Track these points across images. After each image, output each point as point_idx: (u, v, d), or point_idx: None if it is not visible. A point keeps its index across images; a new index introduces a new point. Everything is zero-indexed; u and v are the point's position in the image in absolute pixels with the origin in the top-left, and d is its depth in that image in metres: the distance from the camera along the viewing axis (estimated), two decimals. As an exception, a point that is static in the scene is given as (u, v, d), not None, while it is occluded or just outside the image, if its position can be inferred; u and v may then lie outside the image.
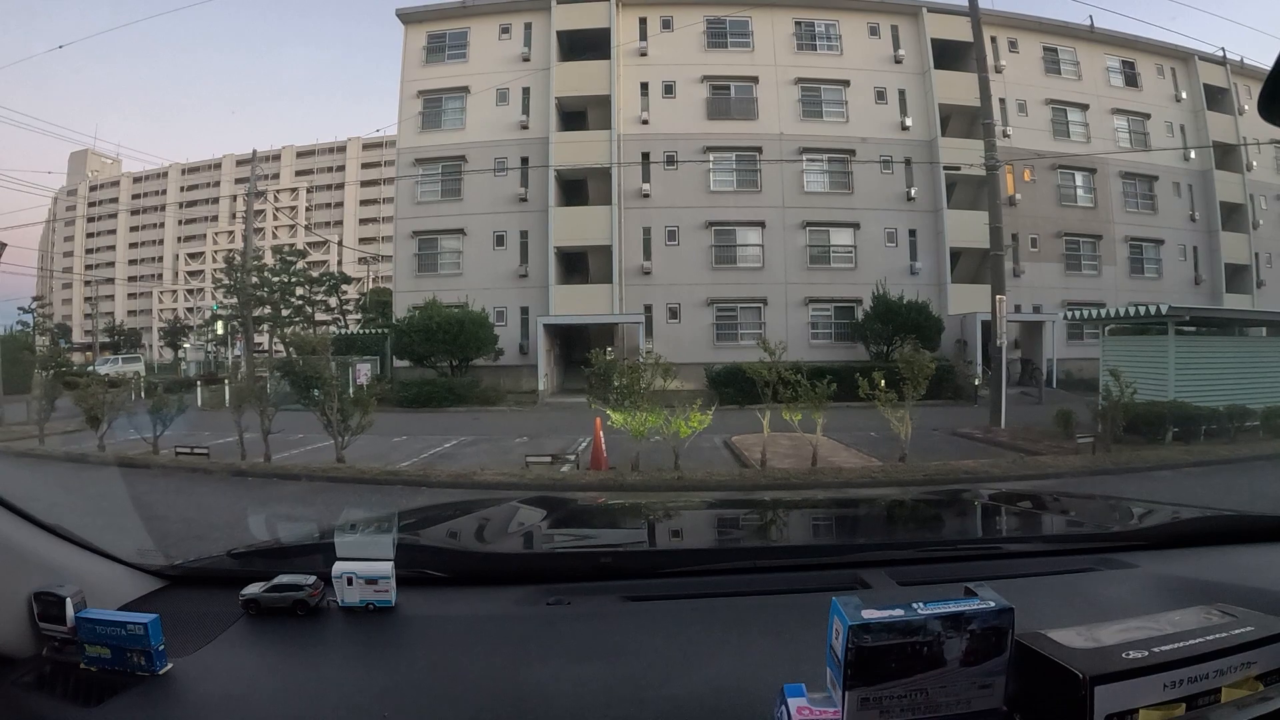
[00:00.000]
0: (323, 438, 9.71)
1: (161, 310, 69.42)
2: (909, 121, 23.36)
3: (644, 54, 23.33)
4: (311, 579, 1.06)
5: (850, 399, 9.11)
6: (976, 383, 17.25)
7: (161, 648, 0.88)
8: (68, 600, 0.91)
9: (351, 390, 9.28)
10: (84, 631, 0.90)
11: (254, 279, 29.92)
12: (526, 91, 23.26)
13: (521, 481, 7.50)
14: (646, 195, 22.57)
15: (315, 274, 35.36)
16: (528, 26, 23.80)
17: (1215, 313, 15.09)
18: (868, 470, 8.24)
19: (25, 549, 0.99)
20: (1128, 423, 9.94)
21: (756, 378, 9.10)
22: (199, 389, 20.57)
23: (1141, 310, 12.39)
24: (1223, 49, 27.18)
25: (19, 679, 0.89)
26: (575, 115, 23.89)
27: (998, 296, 12.47)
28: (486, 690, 0.85)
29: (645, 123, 22.94)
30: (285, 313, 32.33)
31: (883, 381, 8.72)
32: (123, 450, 9.68)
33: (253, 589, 1.06)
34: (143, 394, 13.24)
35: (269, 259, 35.05)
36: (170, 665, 0.89)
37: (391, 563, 1.05)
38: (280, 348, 34.75)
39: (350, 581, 1.05)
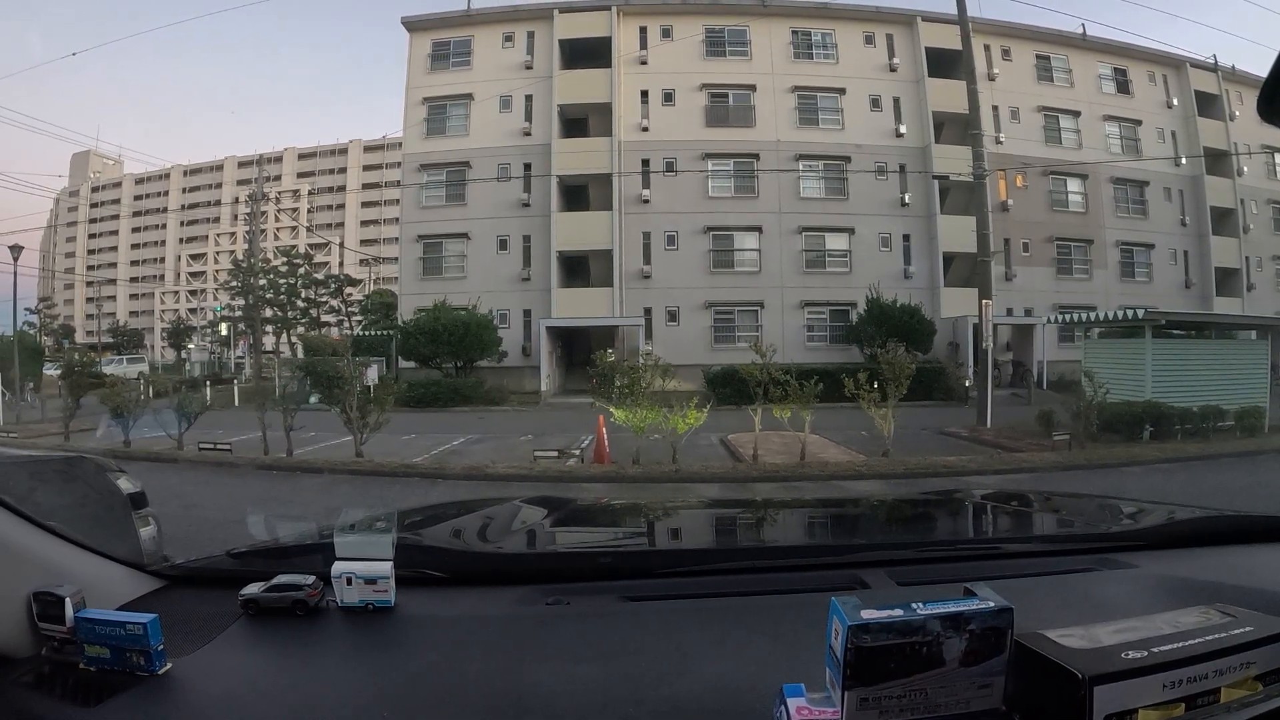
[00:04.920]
0: (334, 435, 10.21)
1: (163, 311, 69.66)
2: (903, 128, 23.83)
3: (644, 62, 23.83)
4: (311, 579, 1.06)
5: (843, 400, 9.57)
6: (967, 384, 17.68)
7: (161, 648, 0.87)
8: (67, 600, 0.91)
9: (359, 390, 9.72)
10: (83, 631, 0.90)
11: (262, 281, 30.40)
12: (529, 99, 23.75)
13: (531, 474, 7.99)
14: (646, 201, 23.07)
15: (319, 276, 35.80)
16: (530, 35, 24.31)
17: (1190, 316, 15.54)
18: (852, 465, 8.73)
19: (24, 549, 0.98)
20: (1107, 422, 10.43)
21: (749, 378, 9.57)
22: (207, 389, 20.97)
23: (1120, 314, 12.89)
24: (1214, 55, 27.65)
25: (18, 679, 0.89)
26: (577, 122, 24.37)
27: (984, 301, 12.94)
28: (485, 690, 0.86)
29: (645, 130, 23.43)
30: (291, 314, 32.76)
31: (875, 383, 9.25)
32: (147, 445, 10.17)
33: (252, 589, 1.06)
34: (151, 394, 13.64)
35: (273, 259, 35.41)
36: (169, 665, 0.89)
37: (391, 563, 1.06)
38: (286, 348, 35.20)
39: (349, 581, 1.05)
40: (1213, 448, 9.93)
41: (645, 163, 23.21)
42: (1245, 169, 27.29)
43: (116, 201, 75.76)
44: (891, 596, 0.98)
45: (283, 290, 32.78)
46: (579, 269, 24.25)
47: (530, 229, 23.42)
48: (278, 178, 71.18)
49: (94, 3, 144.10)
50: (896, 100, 24.15)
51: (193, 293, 70.59)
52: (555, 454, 9.23)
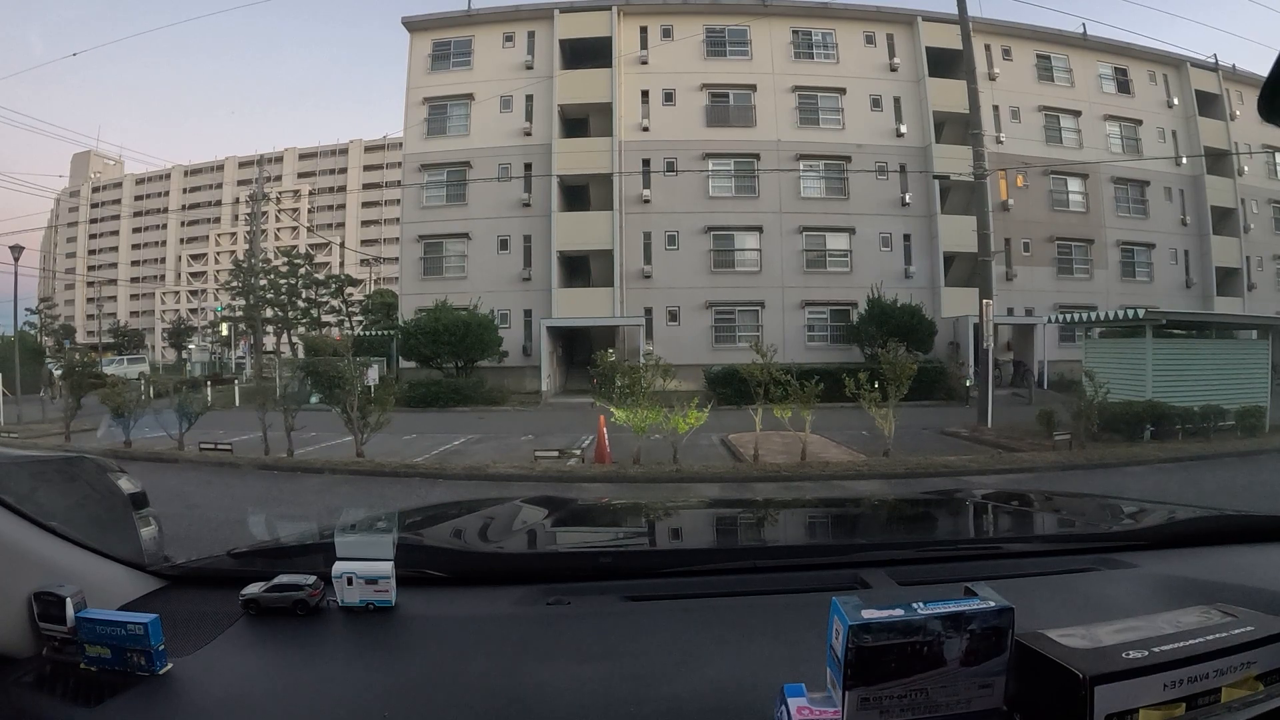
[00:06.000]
0: (334, 435, 10.21)
1: (164, 311, 69.77)
2: (904, 128, 23.83)
3: (644, 62, 23.84)
4: (311, 579, 1.06)
5: (844, 400, 9.55)
6: (968, 384, 17.67)
7: (161, 648, 0.87)
8: (68, 600, 0.91)
9: (360, 391, 9.73)
10: (84, 631, 0.90)
11: (263, 281, 30.42)
12: (529, 99, 23.75)
13: (531, 474, 8.00)
14: (647, 200, 23.07)
15: (320, 276, 35.83)
16: (530, 35, 24.32)
17: (1191, 316, 15.53)
18: (853, 464, 8.73)
19: (25, 549, 0.98)
20: (1107, 422, 10.43)
21: (750, 378, 9.57)
22: (208, 389, 20.98)
23: (1121, 314, 12.89)
24: (1214, 55, 27.64)
25: (19, 679, 0.89)
26: (577, 122, 24.38)
27: (984, 300, 12.94)
28: (486, 690, 0.86)
29: (646, 130, 23.44)
30: (292, 314, 32.79)
31: (875, 383, 9.26)
32: (148, 446, 10.18)
33: (253, 589, 1.06)
34: (152, 394, 13.64)
35: (274, 259, 35.43)
36: (170, 665, 0.89)
37: (391, 563, 1.06)
38: (287, 348, 35.24)
39: (350, 581, 1.05)
40: (1213, 447, 9.93)
41: (646, 163, 23.21)
42: (1246, 168, 27.29)
43: (117, 202, 75.87)
44: (892, 596, 0.98)
45: (283, 290, 32.83)
46: (580, 269, 24.26)
47: (531, 229, 23.43)
48: (278, 178, 71.25)
49: (94, 3, 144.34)
50: (897, 100, 24.15)
51: (193, 293, 70.67)
52: (556, 454, 9.24)
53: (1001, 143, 23.26)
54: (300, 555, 1.28)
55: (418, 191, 24.29)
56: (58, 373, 17.50)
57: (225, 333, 42.26)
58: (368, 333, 27.43)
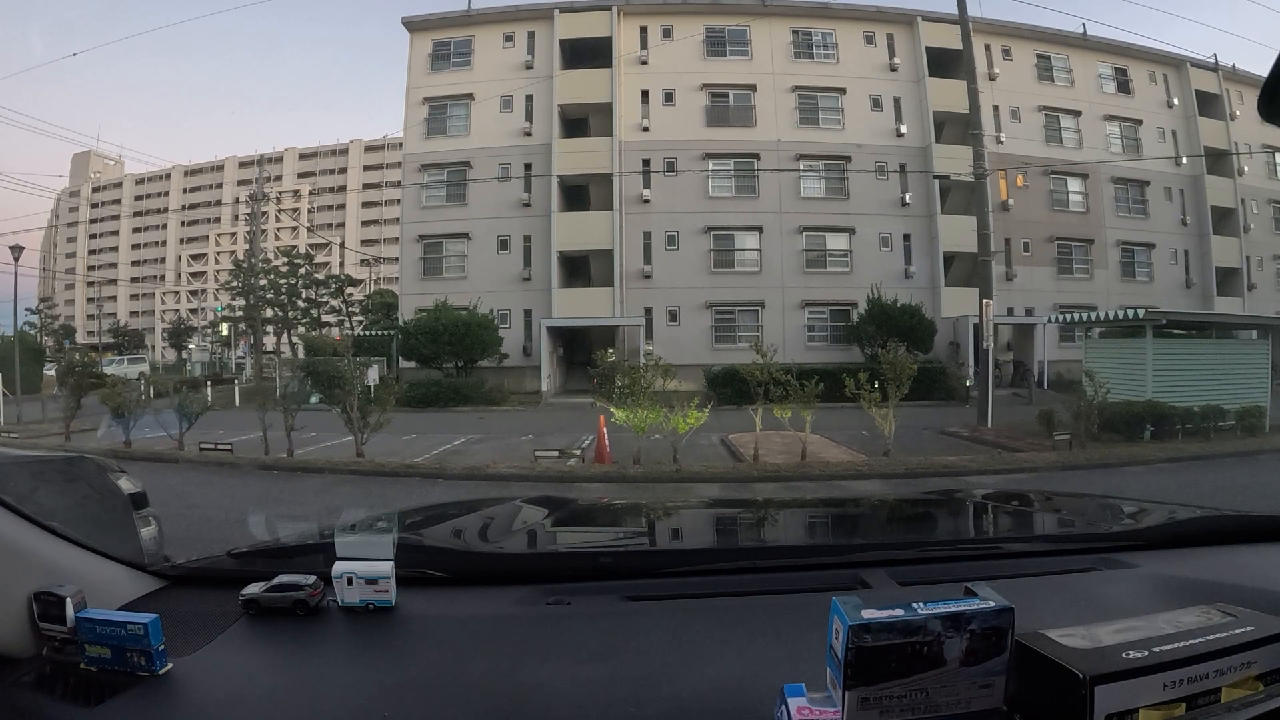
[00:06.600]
0: (334, 435, 10.21)
1: (164, 311, 69.75)
2: (904, 128, 23.83)
3: (645, 62, 23.85)
4: (311, 579, 1.07)
5: (844, 400, 9.55)
6: (968, 384, 17.67)
7: (161, 648, 0.88)
8: (68, 600, 0.91)
9: (360, 391, 9.73)
10: (84, 631, 0.90)
11: (263, 281, 30.42)
12: (529, 99, 23.76)
13: (531, 474, 8.00)
14: (647, 200, 23.07)
15: (320, 276, 35.82)
16: (531, 35, 24.33)
17: (1190, 316, 15.53)
18: (853, 464, 8.73)
19: (25, 549, 0.98)
20: (1107, 422, 10.44)
21: (750, 378, 9.58)
22: (208, 389, 20.96)
23: (1121, 314, 12.90)
24: (1214, 55, 27.63)
25: (19, 679, 0.90)
26: (577, 122, 24.38)
27: (984, 300, 12.94)
28: (486, 690, 0.86)
29: (646, 130, 23.45)
30: (292, 314, 32.79)
31: (875, 383, 9.26)
32: (148, 446, 10.18)
33: (253, 589, 1.06)
34: (152, 394, 13.64)
35: (274, 259, 35.44)
36: (170, 665, 0.89)
37: (391, 563, 1.06)
38: (287, 348, 35.24)
39: (350, 581, 1.05)
40: (1213, 447, 9.93)
41: (646, 163, 23.21)
42: (1246, 168, 27.29)
43: (117, 202, 75.85)
44: (892, 596, 0.99)
45: (283, 290, 32.85)
46: (580, 269, 24.26)
47: (531, 229, 23.43)
48: (278, 178, 71.24)
49: (94, 3, 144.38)
50: (897, 100, 24.15)
51: (193, 293, 70.64)
52: (556, 454, 9.24)
53: (1001, 143, 23.26)
54: (300, 555, 1.28)
55: (418, 191, 24.29)
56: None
57: (225, 333, 42.25)
58: (368, 333, 27.40)
